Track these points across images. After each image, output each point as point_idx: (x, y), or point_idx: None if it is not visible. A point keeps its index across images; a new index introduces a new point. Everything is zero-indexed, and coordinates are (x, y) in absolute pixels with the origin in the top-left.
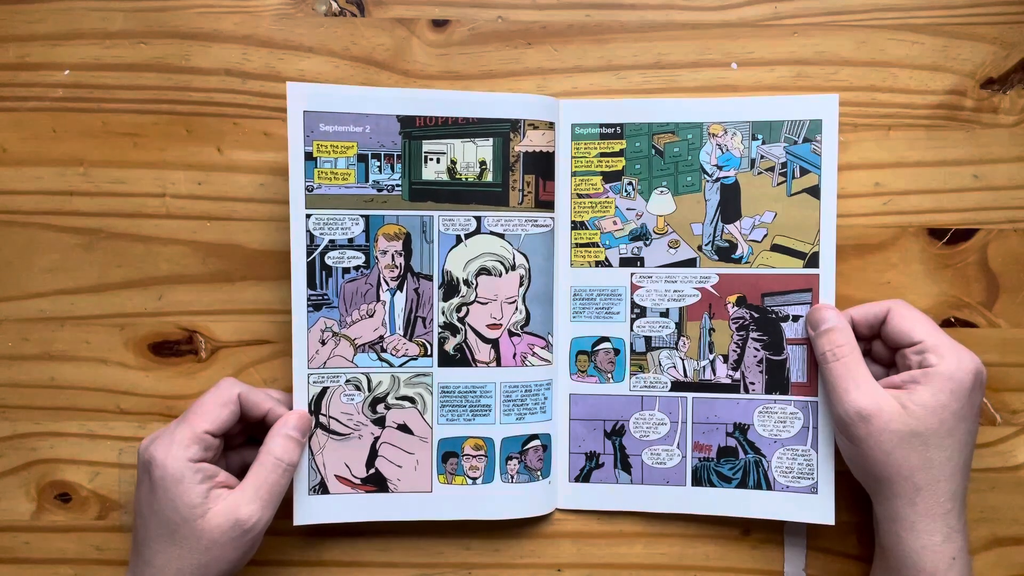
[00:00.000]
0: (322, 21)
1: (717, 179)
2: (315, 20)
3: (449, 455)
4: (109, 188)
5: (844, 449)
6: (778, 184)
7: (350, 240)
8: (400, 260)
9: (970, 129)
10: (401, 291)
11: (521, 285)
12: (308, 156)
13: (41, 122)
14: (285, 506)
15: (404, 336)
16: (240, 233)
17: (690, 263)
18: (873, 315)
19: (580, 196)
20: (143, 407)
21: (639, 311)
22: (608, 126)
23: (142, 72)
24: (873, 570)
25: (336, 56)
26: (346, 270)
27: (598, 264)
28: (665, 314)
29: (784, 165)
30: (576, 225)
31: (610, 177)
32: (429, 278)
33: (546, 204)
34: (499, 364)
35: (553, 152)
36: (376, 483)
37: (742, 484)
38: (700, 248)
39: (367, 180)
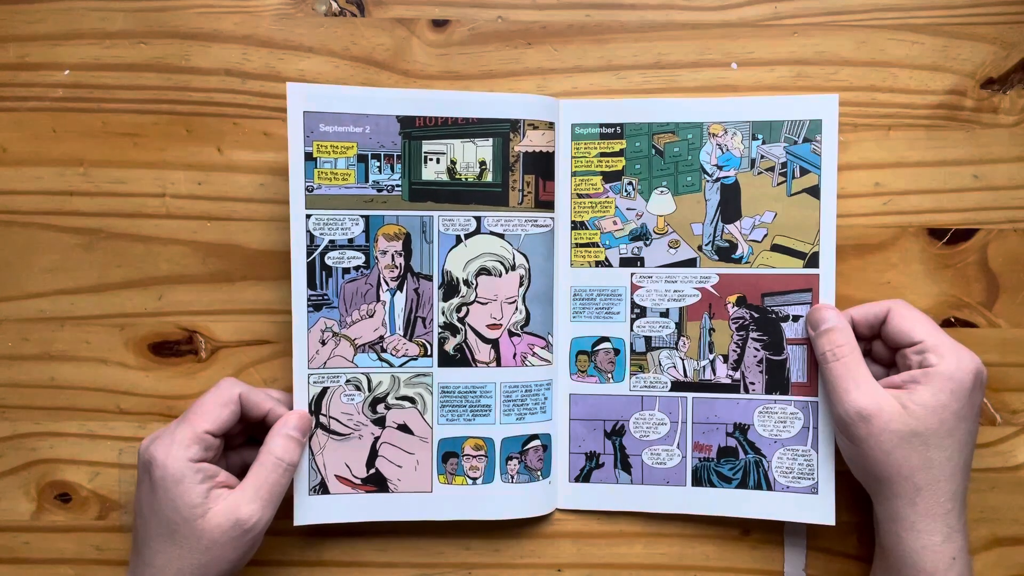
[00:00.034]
0: (322, 21)
1: (717, 179)
2: (315, 20)
3: (449, 455)
4: (109, 188)
5: (844, 449)
6: (778, 184)
7: (350, 240)
8: (400, 260)
9: (970, 129)
10: (401, 291)
11: (521, 285)
12: (308, 156)
13: (41, 122)
14: (285, 506)
15: (404, 336)
16: (240, 233)
17: (690, 263)
18: (873, 315)
19: (580, 196)
20: (143, 407)
21: (639, 311)
22: (608, 126)
23: (142, 72)
24: (873, 570)
25: (336, 56)
26: (346, 270)
27: (598, 264)
28: (665, 314)
29: (784, 165)
30: (576, 225)
31: (610, 177)
32: (429, 278)
33: (546, 204)
34: (499, 364)
35: (553, 152)
36: (376, 483)
37: (742, 484)
38: (700, 248)
39: (367, 180)
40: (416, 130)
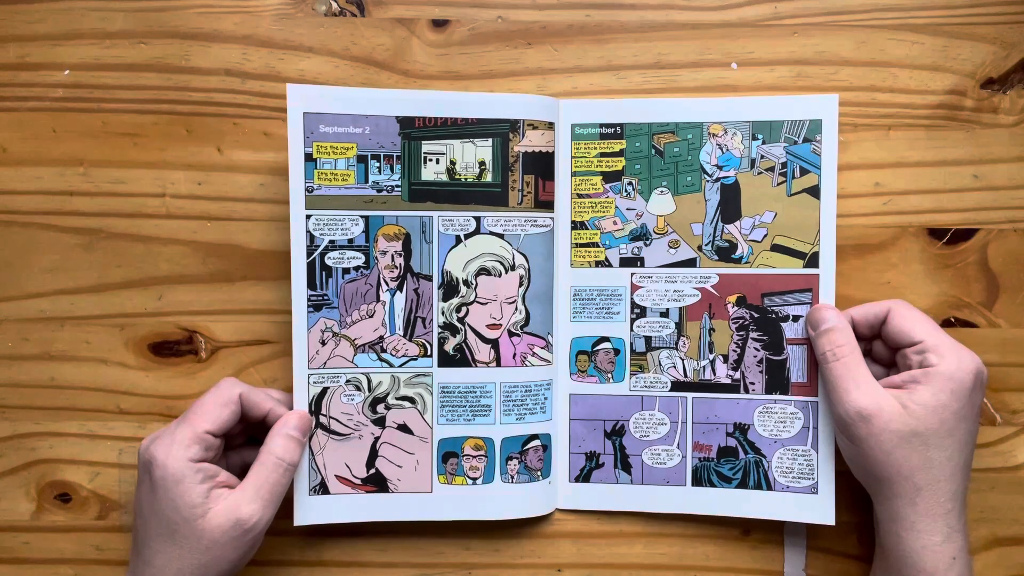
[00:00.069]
0: (322, 21)
1: (717, 179)
2: (315, 20)
3: (449, 455)
4: (109, 188)
5: (844, 449)
6: (778, 184)
7: (350, 240)
8: (400, 260)
9: (970, 129)
10: (401, 291)
11: (521, 285)
12: (308, 157)
13: (41, 122)
14: (285, 506)
15: (404, 336)
16: (240, 233)
17: (690, 263)
18: (873, 315)
19: (580, 196)
20: (143, 407)
21: (639, 311)
22: (608, 126)
23: (142, 72)
24: (873, 570)
25: (336, 56)
26: (346, 270)
27: (598, 264)
28: (665, 314)
29: (784, 165)
30: (576, 225)
31: (610, 177)
32: (429, 278)
33: (545, 204)
34: (499, 364)
35: (552, 152)
36: (376, 483)
37: (742, 484)
38: (700, 248)
39: (367, 181)
40: (416, 131)
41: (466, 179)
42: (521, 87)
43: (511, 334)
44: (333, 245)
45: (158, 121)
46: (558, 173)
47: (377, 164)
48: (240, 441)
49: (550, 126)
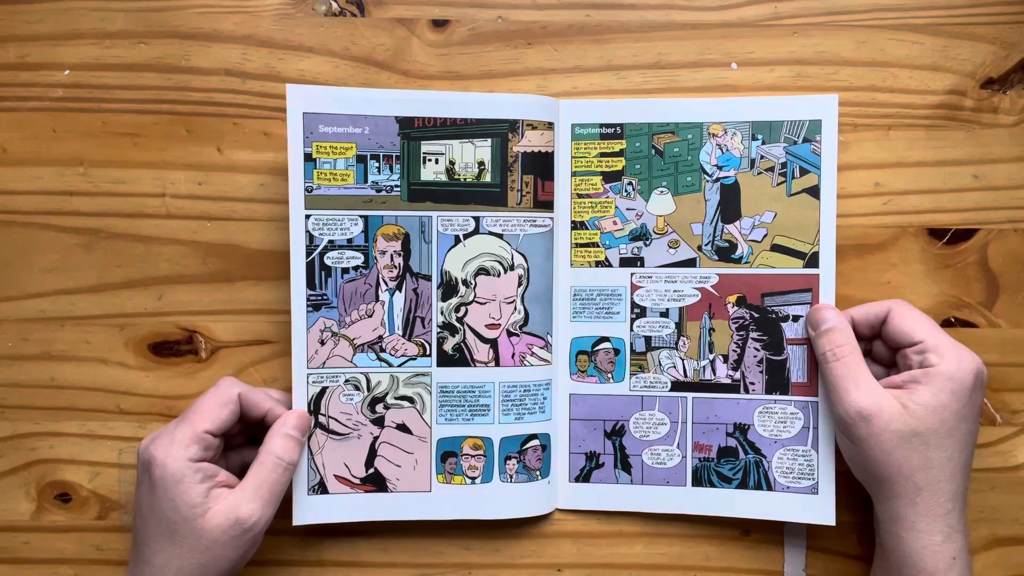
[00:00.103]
0: (322, 21)
1: (717, 179)
2: (315, 20)
3: (448, 455)
4: (109, 188)
5: (845, 449)
6: (778, 184)
7: (349, 240)
8: (399, 260)
9: (970, 129)
10: (400, 291)
11: (520, 285)
12: (307, 157)
13: (41, 122)
14: (284, 506)
15: (403, 336)
16: (240, 233)
17: (690, 263)
18: (874, 315)
19: (580, 196)
20: (143, 407)
21: (639, 311)
22: (608, 126)
23: (142, 72)
24: (873, 570)
25: (336, 56)
26: (345, 270)
27: (598, 264)
28: (665, 314)
29: (784, 165)
30: (576, 225)
31: (610, 177)
32: (428, 278)
33: (545, 204)
34: (498, 364)
35: (552, 152)
36: (375, 483)
37: (742, 484)
38: (700, 248)
39: (366, 181)
40: (415, 131)
41: (465, 179)
42: (521, 87)
43: (510, 334)
44: (332, 245)
45: (158, 121)
46: (558, 173)
47: (376, 164)
48: (240, 441)
49: (549, 126)
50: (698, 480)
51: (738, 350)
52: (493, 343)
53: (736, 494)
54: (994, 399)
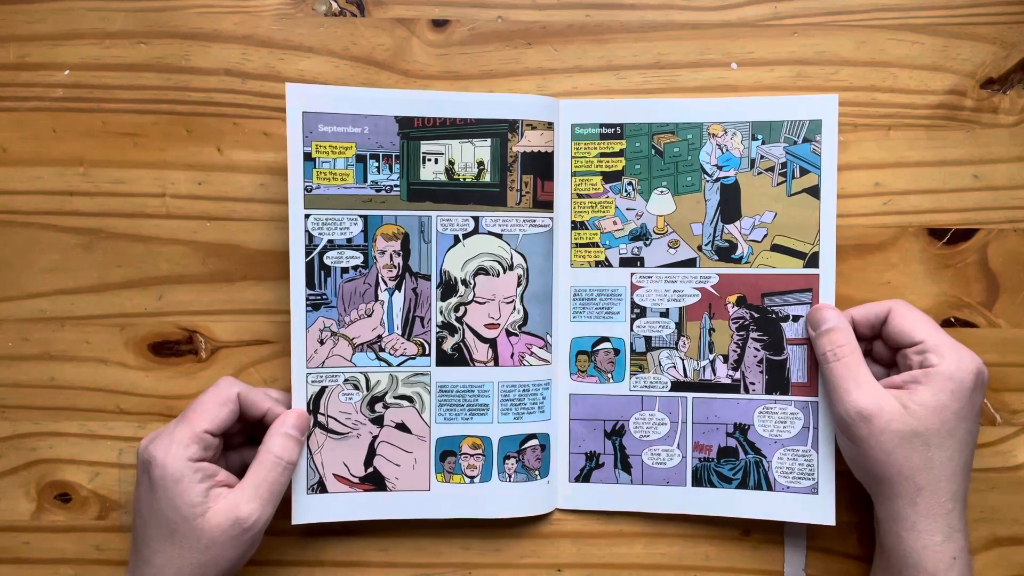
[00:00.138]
0: (322, 21)
1: (717, 179)
2: (315, 20)
3: (447, 454)
4: (109, 188)
5: (845, 449)
6: (778, 184)
7: (349, 240)
8: (398, 260)
9: (970, 129)
10: (399, 291)
11: (519, 285)
12: (307, 156)
13: (41, 122)
14: (284, 506)
15: (402, 336)
16: (240, 233)
17: (690, 263)
18: (874, 315)
19: (580, 196)
20: (143, 407)
21: (639, 311)
22: (608, 126)
23: (142, 72)
24: (873, 570)
25: (336, 56)
26: (344, 270)
27: (598, 264)
28: (665, 314)
29: (784, 165)
30: (576, 225)
31: (610, 177)
32: (427, 278)
33: (544, 204)
34: (497, 364)
35: (551, 152)
36: (374, 482)
37: (742, 484)
38: (700, 248)
39: (366, 180)
40: (414, 130)
41: (464, 179)
42: (521, 87)
43: (509, 334)
44: (332, 244)
45: (158, 121)
46: (558, 173)
47: (376, 164)
48: (239, 441)
49: (549, 126)
50: (698, 480)
51: (738, 350)
52: (492, 343)
53: (736, 494)
54: (994, 399)
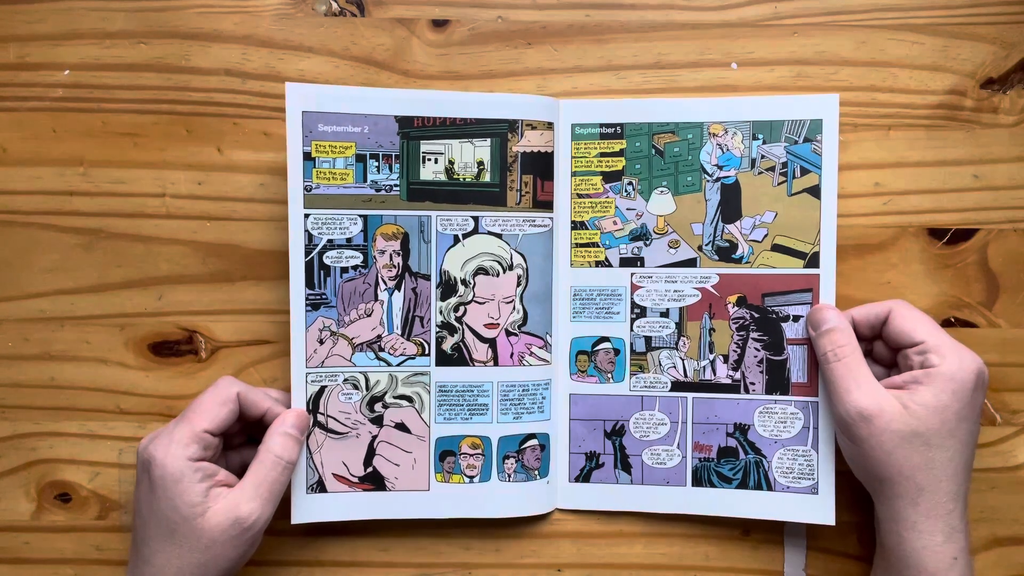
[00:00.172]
0: (322, 21)
1: (717, 179)
2: (315, 20)
3: (446, 454)
4: (109, 188)
5: (845, 449)
6: (778, 184)
7: (348, 240)
8: (398, 260)
9: (970, 129)
10: (399, 290)
11: (519, 285)
12: (307, 156)
13: (41, 122)
14: (283, 506)
15: (402, 335)
16: (240, 233)
17: (690, 263)
18: (874, 315)
19: (580, 196)
20: (143, 407)
21: (639, 311)
22: (608, 126)
23: (142, 72)
24: (874, 570)
25: (336, 56)
26: (344, 270)
27: (598, 264)
28: (665, 314)
29: (784, 165)
30: (576, 225)
31: (610, 177)
32: (427, 278)
33: (544, 204)
34: (496, 364)
35: (551, 152)
36: (374, 481)
37: (742, 484)
38: (700, 248)
39: (365, 180)
40: (414, 130)
41: (464, 179)
42: (521, 87)
43: (509, 334)
44: (331, 244)
45: (158, 121)
46: (558, 173)
47: (376, 163)
48: (239, 440)
49: (549, 126)
50: (698, 480)
51: (738, 350)
52: (492, 343)
53: (736, 494)
54: (994, 399)
